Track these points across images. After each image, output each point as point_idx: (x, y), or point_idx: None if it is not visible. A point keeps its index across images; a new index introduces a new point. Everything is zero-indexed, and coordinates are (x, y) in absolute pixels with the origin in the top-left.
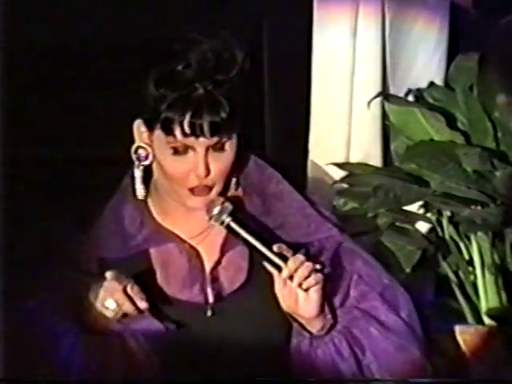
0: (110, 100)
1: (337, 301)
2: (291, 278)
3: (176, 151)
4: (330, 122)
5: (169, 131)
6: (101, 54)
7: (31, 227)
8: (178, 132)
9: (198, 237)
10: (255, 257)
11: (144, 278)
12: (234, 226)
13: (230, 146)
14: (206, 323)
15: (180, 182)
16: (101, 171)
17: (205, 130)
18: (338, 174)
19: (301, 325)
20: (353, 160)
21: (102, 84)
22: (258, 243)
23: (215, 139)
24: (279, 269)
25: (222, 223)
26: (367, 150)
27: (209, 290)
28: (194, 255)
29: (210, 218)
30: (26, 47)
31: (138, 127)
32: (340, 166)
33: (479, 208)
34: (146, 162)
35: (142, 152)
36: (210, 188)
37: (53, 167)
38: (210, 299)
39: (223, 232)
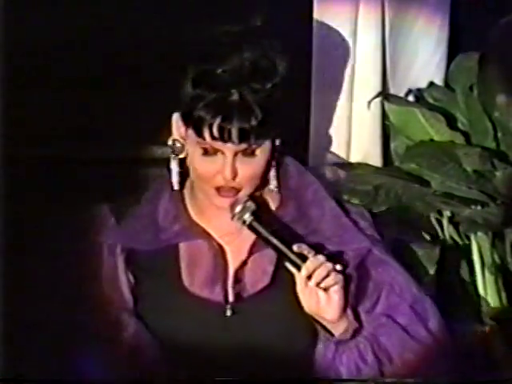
0: (110, 99)
1: (365, 308)
2: (310, 277)
3: (205, 152)
4: (330, 123)
5: (199, 132)
6: (101, 53)
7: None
8: (206, 135)
9: (228, 236)
10: (282, 262)
11: (169, 273)
12: (255, 225)
13: (261, 152)
14: (225, 323)
15: (207, 181)
16: (101, 171)
17: (233, 136)
18: (337, 173)
19: (324, 327)
20: (353, 160)
21: (102, 83)
22: (278, 243)
23: (244, 145)
24: (300, 269)
25: (244, 222)
26: (367, 149)
27: (230, 290)
28: (220, 254)
29: (233, 217)
30: (26, 47)
31: (177, 121)
32: (340, 166)
33: (479, 208)
34: (181, 156)
35: (177, 145)
36: (238, 190)
37: (53, 167)
38: (230, 298)
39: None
